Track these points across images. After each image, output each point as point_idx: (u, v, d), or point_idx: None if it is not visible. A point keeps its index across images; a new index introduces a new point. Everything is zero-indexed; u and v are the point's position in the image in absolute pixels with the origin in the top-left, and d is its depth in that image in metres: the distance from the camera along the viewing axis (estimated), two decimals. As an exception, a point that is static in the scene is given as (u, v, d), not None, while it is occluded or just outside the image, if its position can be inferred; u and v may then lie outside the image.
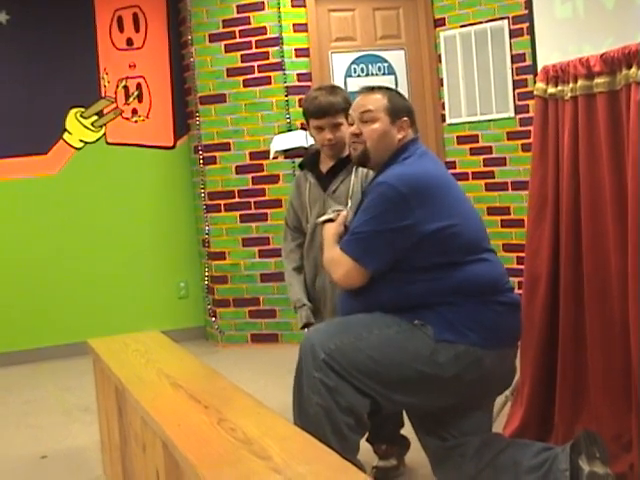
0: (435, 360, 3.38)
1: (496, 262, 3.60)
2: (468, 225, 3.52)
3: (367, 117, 3.63)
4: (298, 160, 4.79)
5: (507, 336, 3.55)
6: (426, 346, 3.39)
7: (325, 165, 4.19)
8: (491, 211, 7.38)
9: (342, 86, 7.37)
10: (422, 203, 3.41)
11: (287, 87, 7.35)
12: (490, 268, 3.53)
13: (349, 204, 4.02)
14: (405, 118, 3.66)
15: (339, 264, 3.52)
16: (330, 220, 3.77)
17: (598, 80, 3.79)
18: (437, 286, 3.43)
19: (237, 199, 7.59)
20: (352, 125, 3.69)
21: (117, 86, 7.86)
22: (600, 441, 3.37)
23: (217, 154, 7.63)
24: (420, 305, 3.43)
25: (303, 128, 6.45)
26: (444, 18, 7.61)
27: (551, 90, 4.09)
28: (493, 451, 3.53)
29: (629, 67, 3.64)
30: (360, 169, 4.05)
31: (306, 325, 4.18)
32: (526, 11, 6.92)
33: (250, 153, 7.50)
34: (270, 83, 7.40)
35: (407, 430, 4.29)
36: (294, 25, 7.41)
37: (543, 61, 5.24)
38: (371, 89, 3.72)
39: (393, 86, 7.60)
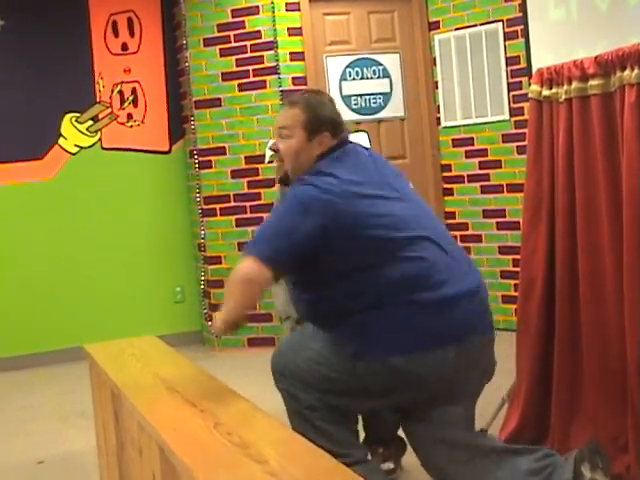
0: (357, 374, 3.35)
1: (416, 257, 3.35)
2: (382, 223, 3.36)
3: (284, 133, 3.55)
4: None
5: (431, 337, 3.32)
6: (346, 362, 3.37)
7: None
8: (486, 214, 7.39)
9: (337, 89, 7.41)
10: (323, 212, 3.30)
11: (282, 91, 7.35)
12: (407, 266, 3.34)
13: None
14: (326, 133, 3.52)
15: (236, 269, 3.39)
16: None
17: (592, 82, 3.80)
18: (356, 291, 3.33)
19: (233, 203, 7.59)
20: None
21: (112, 91, 7.86)
22: (604, 453, 3.36)
23: (212, 158, 7.63)
24: (341, 315, 3.37)
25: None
26: (439, 21, 7.62)
27: (545, 92, 4.09)
28: (486, 449, 3.49)
29: (623, 69, 3.65)
30: None
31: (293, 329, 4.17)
32: (520, 14, 6.94)
33: (245, 157, 7.50)
34: (265, 87, 7.40)
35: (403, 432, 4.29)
36: (289, 29, 7.41)
37: (537, 64, 5.25)
38: (293, 103, 3.62)
39: (387, 90, 7.62)
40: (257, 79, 7.42)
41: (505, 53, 7.18)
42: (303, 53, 7.42)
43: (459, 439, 3.47)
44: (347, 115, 7.10)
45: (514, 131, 7.16)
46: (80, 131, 7.77)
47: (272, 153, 5.89)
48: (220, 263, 7.67)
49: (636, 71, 3.58)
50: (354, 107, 7.55)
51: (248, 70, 7.45)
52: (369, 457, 3.71)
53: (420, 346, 3.29)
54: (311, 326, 3.55)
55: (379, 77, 7.64)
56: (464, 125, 7.54)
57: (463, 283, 3.38)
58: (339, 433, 3.47)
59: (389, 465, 4.25)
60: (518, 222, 6.25)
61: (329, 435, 3.42)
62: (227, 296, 3.41)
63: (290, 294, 3.66)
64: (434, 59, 7.68)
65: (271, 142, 5.94)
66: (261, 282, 3.31)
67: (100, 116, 7.82)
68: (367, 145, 4.60)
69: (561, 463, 3.35)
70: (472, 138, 7.50)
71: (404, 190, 3.59)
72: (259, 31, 7.42)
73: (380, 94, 7.64)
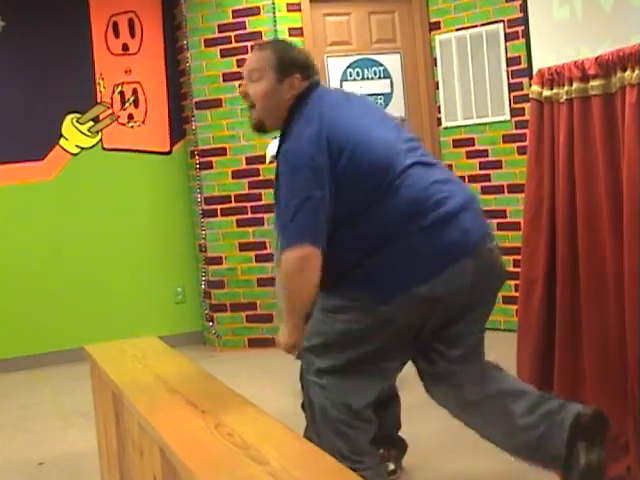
0: (385, 319, 3.31)
1: (411, 184, 3.32)
2: (376, 155, 3.32)
3: (254, 76, 3.48)
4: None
5: (446, 256, 3.30)
6: (371, 314, 3.32)
7: None
8: (487, 214, 7.37)
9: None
10: (330, 154, 3.26)
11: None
12: (405, 194, 3.31)
13: None
14: (297, 75, 3.45)
15: (288, 262, 3.28)
16: None
17: (593, 83, 3.80)
18: (365, 234, 3.30)
19: (233, 204, 7.59)
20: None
21: (113, 92, 7.86)
22: (605, 420, 3.34)
23: (213, 159, 7.63)
24: (355, 266, 3.32)
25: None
26: (439, 22, 7.62)
27: (546, 93, 4.09)
28: (482, 392, 3.49)
29: (624, 70, 3.65)
30: None
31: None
32: (521, 14, 6.94)
33: (246, 158, 7.50)
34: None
35: (404, 432, 4.29)
36: (290, 29, 7.41)
37: (540, 63, 5.25)
38: (262, 46, 3.59)
39: (388, 90, 7.63)
40: (258, 80, 7.41)
41: (506, 54, 7.19)
42: (304, 54, 7.41)
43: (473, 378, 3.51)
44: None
45: (515, 132, 7.16)
46: (81, 132, 7.77)
47: (273, 154, 5.92)
48: (221, 264, 7.68)
49: (637, 72, 3.58)
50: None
51: (249, 71, 7.44)
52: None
53: (439, 268, 3.28)
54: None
55: (380, 78, 7.64)
56: (465, 125, 7.54)
57: (458, 194, 3.39)
58: (357, 436, 3.43)
59: (390, 466, 4.25)
60: (519, 223, 6.25)
61: (349, 442, 3.39)
62: (289, 303, 3.41)
63: None
64: (435, 59, 7.68)
65: (273, 142, 5.94)
66: (315, 267, 3.26)
67: (101, 117, 7.83)
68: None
69: (557, 426, 3.35)
70: (473, 138, 7.50)
71: (380, 118, 3.62)
72: (260, 32, 7.42)
73: (381, 95, 7.64)
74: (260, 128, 3.60)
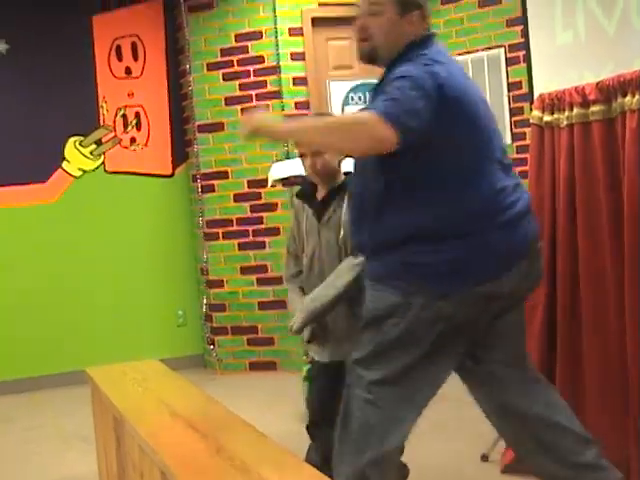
0: (441, 316, 3.19)
1: (497, 177, 3.25)
2: (483, 136, 3.25)
3: (374, 9, 3.33)
4: (296, 188, 4.78)
5: (512, 256, 3.25)
6: (426, 310, 3.19)
7: (320, 194, 4.17)
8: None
9: (339, 114, 7.39)
10: (445, 102, 3.09)
11: (285, 115, 7.37)
12: (490, 183, 3.23)
13: (341, 233, 4.02)
14: (416, 11, 3.33)
15: (367, 122, 3.00)
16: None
17: (594, 108, 3.82)
18: (444, 214, 3.15)
19: (235, 227, 7.60)
20: (359, 19, 3.39)
21: (116, 114, 7.89)
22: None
23: (215, 182, 7.65)
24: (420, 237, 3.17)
25: (301, 157, 6.47)
26: (441, 46, 7.64)
27: (547, 118, 4.11)
28: (523, 407, 3.41)
29: (624, 95, 3.67)
30: None
31: (311, 340, 4.14)
32: (522, 39, 6.96)
33: (248, 181, 7.52)
34: (268, 111, 7.42)
35: (406, 457, 4.28)
36: (292, 54, 7.44)
37: (541, 88, 5.26)
38: None
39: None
40: (260, 103, 7.44)
41: (507, 78, 7.20)
42: (306, 78, 7.45)
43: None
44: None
45: (516, 156, 7.16)
46: (83, 154, 7.80)
47: (275, 177, 5.94)
48: (222, 287, 7.68)
49: (637, 97, 3.60)
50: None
51: (251, 94, 7.48)
52: None
53: (507, 266, 3.23)
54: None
55: (382, 102, 7.64)
56: (466, 150, 7.54)
57: (525, 195, 3.34)
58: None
59: None
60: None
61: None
62: (318, 130, 3.13)
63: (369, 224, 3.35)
64: (436, 84, 7.69)
65: (275, 166, 5.96)
66: (379, 136, 2.99)
67: (103, 139, 7.85)
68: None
69: None
70: (474, 163, 7.51)
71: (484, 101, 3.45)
72: (262, 56, 7.45)
73: (382, 119, 7.65)
74: (371, 58, 3.43)
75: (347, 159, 4.25)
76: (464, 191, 3.17)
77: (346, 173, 4.16)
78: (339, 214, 4.06)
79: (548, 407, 3.41)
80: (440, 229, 3.17)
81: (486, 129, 3.28)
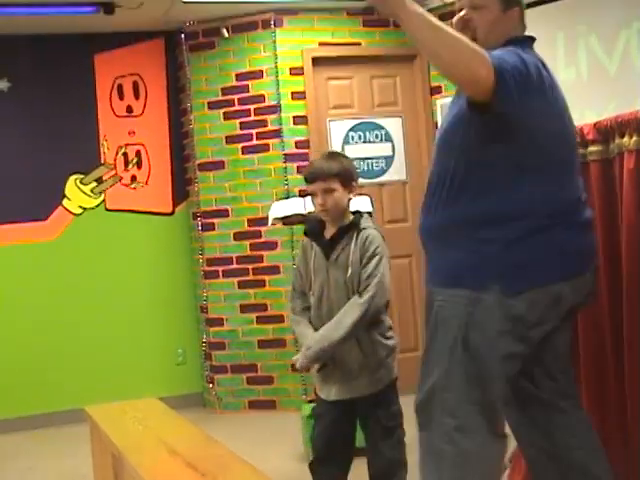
0: (511, 316, 3.05)
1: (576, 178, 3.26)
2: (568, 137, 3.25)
3: (478, 3, 3.27)
4: (297, 227, 4.80)
5: (585, 260, 3.21)
6: (496, 309, 3.06)
7: (329, 232, 4.19)
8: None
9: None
10: (543, 92, 3.09)
11: (285, 154, 7.41)
12: (572, 182, 3.23)
13: (349, 272, 4.03)
14: (516, 8, 3.31)
15: (475, 48, 2.90)
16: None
17: (591, 148, 3.84)
18: (524, 201, 3.07)
19: (235, 265, 7.61)
20: (460, 11, 3.32)
21: (117, 153, 7.92)
22: None
23: (215, 220, 7.67)
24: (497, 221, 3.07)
25: (301, 195, 6.50)
26: (440, 86, 7.69)
27: (545, 158, 4.12)
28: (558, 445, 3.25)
29: (622, 136, 3.68)
30: (361, 236, 4.06)
31: (322, 368, 4.13)
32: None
33: (248, 220, 7.54)
34: (268, 150, 7.46)
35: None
36: (292, 93, 7.48)
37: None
38: None
39: (390, 153, 7.68)
40: (260, 142, 7.48)
41: (506, 118, 7.23)
42: (306, 117, 7.48)
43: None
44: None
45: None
46: (84, 192, 7.82)
47: (275, 216, 5.96)
48: (222, 325, 7.68)
49: (635, 138, 3.61)
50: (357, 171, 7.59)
51: (252, 133, 7.51)
52: None
53: (581, 269, 3.17)
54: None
55: (382, 141, 7.70)
56: (466, 189, 7.56)
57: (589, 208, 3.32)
58: None
59: None
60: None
61: None
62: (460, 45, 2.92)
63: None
64: (436, 123, 7.74)
65: (275, 205, 5.97)
66: (481, 73, 2.88)
67: (104, 177, 7.88)
68: (363, 208, 4.64)
69: None
70: (474, 202, 7.52)
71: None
72: (263, 95, 7.50)
73: (382, 158, 7.70)
74: None
75: (356, 198, 4.29)
76: (548, 186, 3.11)
77: (354, 212, 4.19)
78: (347, 253, 4.08)
79: (589, 455, 3.27)
80: (515, 220, 3.08)
81: (572, 137, 3.29)
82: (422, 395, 3.22)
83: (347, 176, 4.14)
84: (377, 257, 4.03)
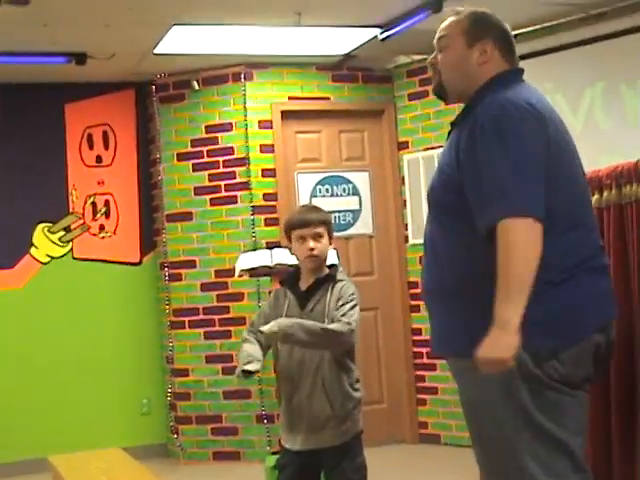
0: (560, 375, 2.82)
1: (590, 222, 3.03)
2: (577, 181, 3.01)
3: (442, 43, 3.14)
4: (263, 279, 4.81)
5: (612, 304, 3.01)
6: (542, 369, 2.81)
7: (305, 283, 4.19)
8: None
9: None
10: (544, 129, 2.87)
11: (253, 206, 7.45)
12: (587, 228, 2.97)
13: (325, 322, 4.04)
14: (489, 41, 3.07)
15: (516, 231, 2.70)
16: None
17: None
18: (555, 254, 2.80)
19: (202, 316, 7.62)
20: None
21: (85, 202, 7.93)
22: None
23: (183, 271, 7.69)
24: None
25: (268, 247, 6.54)
26: (408, 141, 7.78)
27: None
28: None
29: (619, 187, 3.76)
30: (336, 287, 4.07)
31: (250, 374, 4.04)
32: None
33: (215, 271, 7.56)
34: (236, 202, 7.50)
35: None
36: (261, 146, 7.55)
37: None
38: (458, 13, 3.16)
39: (357, 207, 7.75)
40: (229, 194, 7.53)
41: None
42: (275, 169, 7.54)
43: None
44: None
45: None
46: (52, 241, 7.82)
47: (242, 268, 5.99)
48: (187, 375, 7.67)
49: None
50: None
51: (220, 185, 7.56)
52: None
53: (611, 315, 2.98)
54: None
55: (349, 194, 7.77)
56: (432, 243, 7.62)
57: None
58: None
59: None
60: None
61: None
62: (512, 277, 2.70)
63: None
64: (403, 178, 7.82)
65: (242, 256, 6.00)
66: (539, 243, 2.72)
67: (72, 226, 7.88)
68: (335, 261, 4.67)
69: None
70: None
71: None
72: (232, 147, 7.56)
73: (349, 211, 7.76)
74: (441, 93, 3.23)
75: (331, 252, 4.33)
76: (572, 236, 2.89)
77: (329, 266, 4.22)
78: (324, 304, 4.09)
79: None
80: (560, 268, 2.85)
81: (585, 187, 3.11)
82: None
83: (331, 227, 4.20)
84: (353, 302, 4.04)
